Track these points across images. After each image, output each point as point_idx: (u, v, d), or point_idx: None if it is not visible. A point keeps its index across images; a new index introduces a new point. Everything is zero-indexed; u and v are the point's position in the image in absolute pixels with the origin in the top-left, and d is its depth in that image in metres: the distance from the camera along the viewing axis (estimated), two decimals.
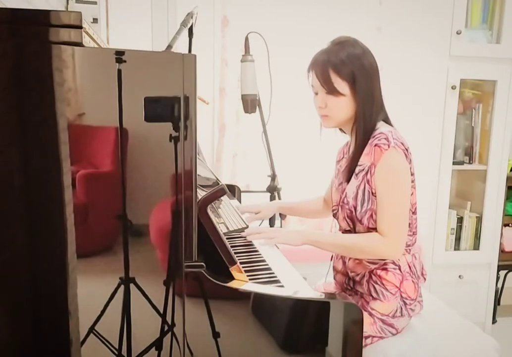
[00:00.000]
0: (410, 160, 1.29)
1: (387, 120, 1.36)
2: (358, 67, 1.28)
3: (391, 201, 1.26)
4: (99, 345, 1.02)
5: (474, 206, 2.52)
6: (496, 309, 2.63)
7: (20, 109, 0.93)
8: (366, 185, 1.29)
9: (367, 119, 1.31)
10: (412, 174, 1.31)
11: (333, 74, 1.28)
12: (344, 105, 1.31)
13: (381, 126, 1.31)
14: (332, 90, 1.29)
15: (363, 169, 1.30)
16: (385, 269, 1.31)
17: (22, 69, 0.92)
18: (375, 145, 1.26)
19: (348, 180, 1.36)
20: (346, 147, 1.49)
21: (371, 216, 1.29)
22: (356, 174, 1.32)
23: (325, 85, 1.30)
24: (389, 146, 1.24)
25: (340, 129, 1.45)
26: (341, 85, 1.28)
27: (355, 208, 1.31)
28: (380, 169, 1.26)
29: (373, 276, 1.32)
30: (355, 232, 1.35)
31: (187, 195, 1.00)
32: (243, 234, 1.40)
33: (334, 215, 1.45)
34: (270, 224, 1.91)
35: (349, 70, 1.27)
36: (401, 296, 1.32)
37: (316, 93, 1.34)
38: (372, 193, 1.29)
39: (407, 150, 1.28)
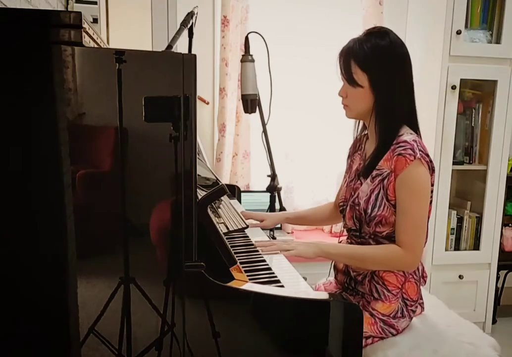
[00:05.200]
0: (433, 171, 1.27)
1: (412, 123, 1.31)
2: (378, 61, 1.25)
3: (414, 212, 1.23)
4: (99, 345, 1.02)
5: (474, 206, 2.52)
6: (496, 309, 2.63)
7: (20, 110, 0.93)
8: (382, 190, 1.27)
9: (387, 115, 1.27)
10: (432, 185, 1.28)
11: (353, 64, 1.26)
12: (362, 97, 1.28)
13: (405, 134, 1.27)
14: (351, 80, 1.28)
15: (381, 174, 1.27)
16: (388, 270, 1.31)
17: (22, 69, 0.92)
18: (399, 154, 1.22)
19: (361, 179, 1.34)
20: (358, 142, 1.47)
21: (380, 221, 1.28)
22: (373, 178, 1.29)
23: (345, 75, 1.29)
24: (415, 158, 1.21)
25: (363, 124, 1.43)
26: (360, 77, 1.26)
27: (365, 211, 1.29)
28: (403, 180, 1.23)
29: (375, 277, 1.32)
30: (360, 233, 1.34)
31: (187, 195, 1.00)
32: (258, 247, 1.39)
33: (341, 211, 1.43)
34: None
35: (370, 62, 1.25)
36: (403, 297, 1.31)
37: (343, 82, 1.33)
38: (387, 200, 1.26)
39: (431, 162, 1.25)
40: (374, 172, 1.29)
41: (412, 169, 1.22)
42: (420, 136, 1.32)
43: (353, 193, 1.36)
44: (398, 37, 1.29)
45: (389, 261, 1.26)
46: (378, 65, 1.25)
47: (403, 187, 1.23)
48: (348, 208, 1.37)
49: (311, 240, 1.37)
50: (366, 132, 1.42)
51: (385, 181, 1.26)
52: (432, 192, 1.29)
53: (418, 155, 1.21)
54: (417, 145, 1.23)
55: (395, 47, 1.27)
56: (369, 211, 1.28)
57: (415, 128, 1.32)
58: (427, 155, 1.25)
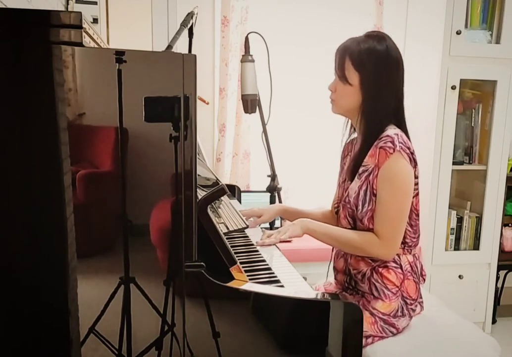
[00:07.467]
0: (415, 164, 1.29)
1: (399, 122, 1.34)
2: (373, 63, 1.28)
3: (390, 204, 1.26)
4: (99, 345, 1.02)
5: (474, 206, 2.52)
6: (496, 309, 2.63)
7: (20, 109, 0.93)
8: (368, 185, 1.29)
9: (372, 116, 1.30)
10: (416, 177, 1.30)
11: (348, 62, 1.30)
12: (349, 95, 1.32)
13: (389, 129, 1.30)
14: (342, 77, 1.31)
15: (366, 170, 1.30)
16: (387, 267, 1.32)
17: (22, 69, 0.92)
18: (381, 148, 1.26)
19: (351, 179, 1.36)
20: (350, 145, 1.48)
21: (372, 217, 1.29)
22: (360, 174, 1.32)
23: (338, 70, 1.32)
24: (394, 150, 1.24)
25: (352, 126, 1.44)
26: (352, 75, 1.30)
27: (356, 208, 1.31)
28: (383, 172, 1.26)
29: (374, 274, 1.32)
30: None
31: (187, 195, 1.00)
32: (257, 246, 1.42)
33: (336, 213, 1.44)
34: (270, 224, 1.91)
35: (363, 63, 1.28)
36: (402, 295, 1.32)
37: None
38: (373, 194, 1.29)
39: (412, 154, 1.28)
40: (361, 169, 1.32)
41: (392, 162, 1.25)
42: (408, 135, 1.34)
43: (344, 193, 1.39)
44: (394, 43, 1.33)
45: (366, 248, 1.29)
46: (371, 67, 1.28)
47: (383, 179, 1.26)
48: (341, 207, 1.39)
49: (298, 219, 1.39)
50: (356, 136, 1.45)
51: (371, 176, 1.29)
52: (417, 184, 1.32)
53: (398, 147, 1.24)
54: (398, 138, 1.26)
55: (391, 52, 1.30)
56: (360, 207, 1.31)
57: (402, 127, 1.34)
58: (408, 148, 1.27)
